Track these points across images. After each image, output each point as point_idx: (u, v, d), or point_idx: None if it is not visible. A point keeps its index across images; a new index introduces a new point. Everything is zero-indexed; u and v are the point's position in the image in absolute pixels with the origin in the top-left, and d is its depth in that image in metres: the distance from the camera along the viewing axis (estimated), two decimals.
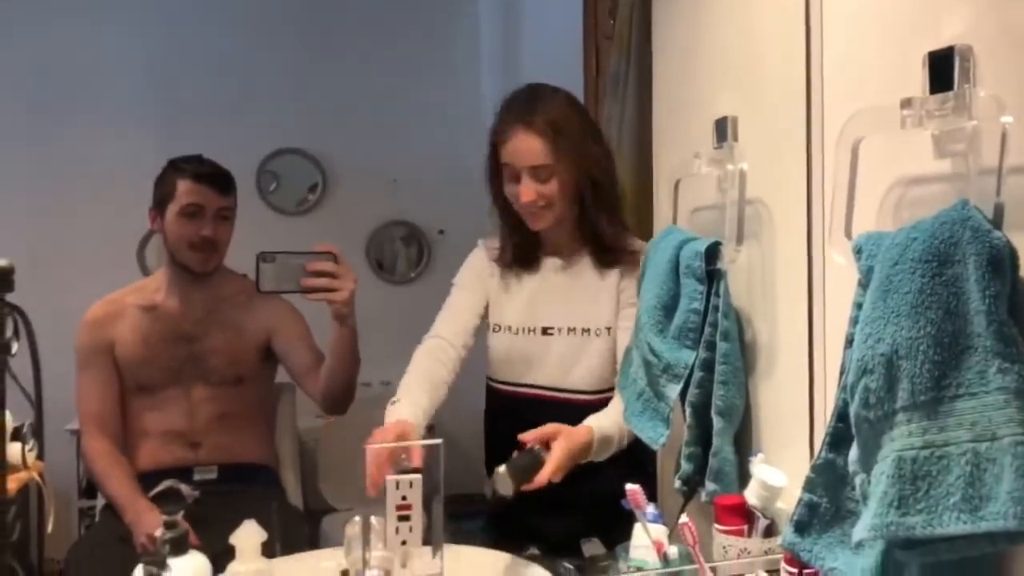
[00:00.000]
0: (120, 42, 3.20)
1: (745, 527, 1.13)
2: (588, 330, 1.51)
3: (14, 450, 0.88)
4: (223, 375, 1.87)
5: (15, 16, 3.08)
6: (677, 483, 1.27)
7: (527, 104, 1.50)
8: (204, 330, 1.87)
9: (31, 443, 0.92)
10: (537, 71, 3.16)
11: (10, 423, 0.89)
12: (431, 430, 3.43)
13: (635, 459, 1.43)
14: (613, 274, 1.52)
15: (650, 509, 1.12)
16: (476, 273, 1.63)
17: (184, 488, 1.79)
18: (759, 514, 1.12)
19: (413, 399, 1.44)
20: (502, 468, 1.21)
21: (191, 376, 1.85)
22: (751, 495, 1.13)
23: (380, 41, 3.50)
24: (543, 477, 1.23)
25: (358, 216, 3.52)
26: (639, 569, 1.09)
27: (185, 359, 1.85)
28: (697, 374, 1.25)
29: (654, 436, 1.29)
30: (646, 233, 1.63)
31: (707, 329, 1.26)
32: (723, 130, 1.37)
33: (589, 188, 1.48)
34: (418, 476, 0.94)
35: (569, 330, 1.52)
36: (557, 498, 1.47)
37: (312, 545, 2.47)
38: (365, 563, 0.93)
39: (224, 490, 1.80)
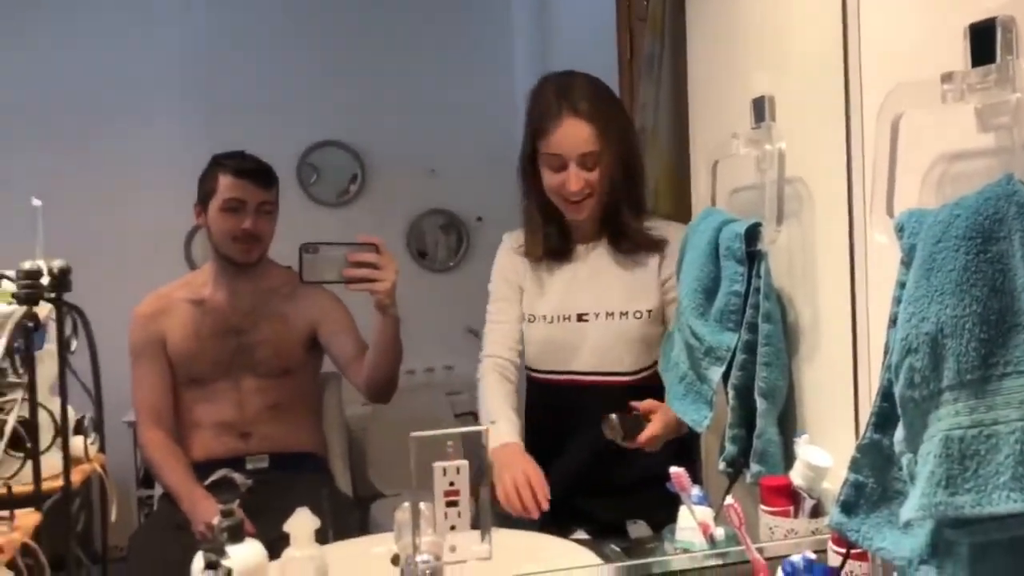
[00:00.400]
0: (163, 40, 3.26)
1: (791, 508, 1.13)
2: (626, 313, 1.52)
3: (77, 443, 0.91)
4: (271, 366, 1.91)
5: (59, 15, 3.15)
6: (722, 465, 1.27)
7: (572, 91, 1.50)
8: (251, 323, 1.91)
9: (92, 436, 0.95)
10: (570, 55, 3.15)
11: (72, 417, 0.93)
12: (476, 416, 3.47)
13: (679, 441, 1.43)
14: (652, 258, 1.52)
15: (695, 491, 1.13)
16: (507, 279, 1.65)
17: (237, 477, 1.84)
18: (805, 495, 1.12)
19: (508, 418, 1.50)
20: (614, 416, 1.37)
21: (240, 368, 1.89)
22: (796, 476, 1.13)
23: (415, 31, 3.52)
24: (643, 438, 1.37)
25: (397, 206, 3.55)
26: (686, 551, 1.09)
27: (234, 351, 1.90)
28: (739, 356, 1.25)
29: (697, 419, 1.29)
30: (684, 215, 1.62)
31: (748, 311, 1.25)
32: (760, 110, 1.36)
33: (621, 175, 1.49)
34: (464, 462, 0.96)
35: (607, 315, 1.53)
36: (603, 481, 1.49)
37: (362, 531, 2.52)
38: (416, 548, 0.95)
39: (275, 478, 1.85)
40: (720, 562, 1.07)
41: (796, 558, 0.97)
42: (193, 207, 1.95)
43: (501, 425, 1.47)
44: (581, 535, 1.33)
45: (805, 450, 1.14)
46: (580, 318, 1.55)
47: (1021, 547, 0.82)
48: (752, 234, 1.27)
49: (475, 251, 3.66)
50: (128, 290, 1.98)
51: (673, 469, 1.12)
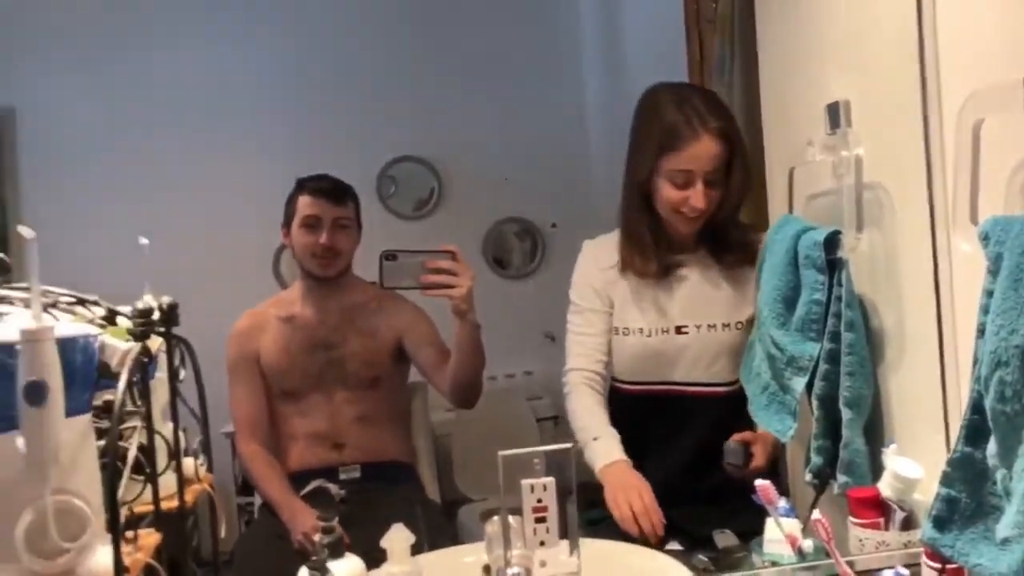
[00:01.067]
0: (248, 66, 3.40)
1: (881, 520, 1.11)
2: (728, 324, 1.52)
3: (188, 465, 0.97)
4: (360, 378, 1.98)
5: (145, 54, 3.31)
6: (808, 476, 1.26)
7: (701, 107, 1.47)
8: (340, 336, 1.98)
9: (201, 458, 1.02)
10: (640, 61, 3.15)
11: (184, 441, 0.99)
12: (556, 421, 3.48)
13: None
14: (749, 268, 1.51)
15: (781, 503, 1.13)
16: (595, 290, 1.62)
17: (332, 487, 1.93)
18: (895, 506, 1.11)
19: (610, 434, 1.50)
20: (734, 444, 1.44)
21: (331, 380, 1.97)
22: (885, 487, 1.12)
23: (484, 43, 3.57)
24: (759, 461, 1.41)
25: (474, 215, 3.61)
26: (774, 563, 1.10)
27: (324, 365, 1.97)
28: (822, 366, 1.24)
29: (782, 429, 1.29)
30: (760, 223, 1.61)
31: (830, 320, 1.24)
32: (835, 115, 1.34)
33: (739, 191, 1.49)
34: (551, 480, 0.99)
35: (709, 326, 1.52)
36: (689, 490, 1.49)
37: (451, 536, 2.57)
38: (507, 562, 0.99)
39: (367, 488, 1.91)
40: (810, 575, 1.07)
41: (888, 573, 0.97)
42: (280, 228, 2.04)
43: (606, 442, 1.47)
44: (675, 546, 1.34)
45: (894, 461, 1.12)
46: (679, 330, 1.53)
47: None
48: (832, 242, 1.26)
49: (551, 257, 3.70)
50: (223, 309, 2.08)
51: (759, 482, 1.13)
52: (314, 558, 0.85)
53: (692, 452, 1.52)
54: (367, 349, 1.99)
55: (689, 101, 1.48)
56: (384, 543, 0.99)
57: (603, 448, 1.45)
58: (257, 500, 2.09)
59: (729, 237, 1.53)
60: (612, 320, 1.57)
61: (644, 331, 1.55)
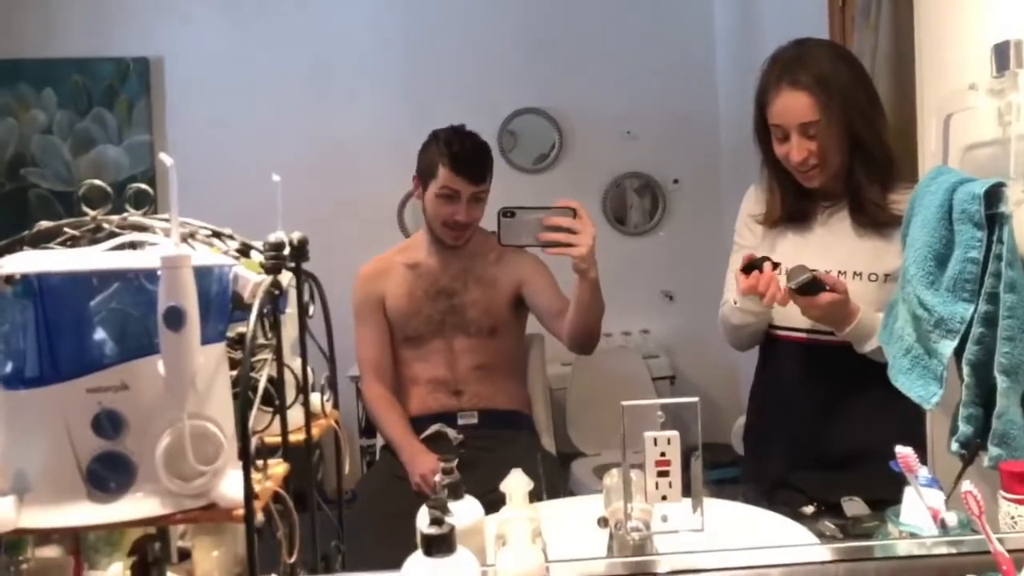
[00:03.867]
0: (375, 19, 3.44)
1: None
2: (860, 274, 1.49)
3: (315, 400, 0.99)
4: (480, 326, 2.00)
5: (282, 6, 3.39)
6: (955, 446, 1.18)
7: (792, 61, 1.48)
8: (462, 285, 2.00)
9: (328, 394, 1.03)
10: (774, 8, 2.98)
11: (312, 377, 1.01)
12: (672, 380, 3.43)
13: (901, 417, 1.35)
14: (894, 229, 1.44)
15: (922, 472, 1.06)
16: (749, 229, 1.65)
17: (450, 432, 1.96)
18: None
19: None
20: (807, 269, 1.39)
21: (452, 328, 1.99)
22: None
23: None
24: (806, 301, 1.39)
25: (594, 170, 3.56)
26: (913, 535, 1.03)
27: (446, 312, 2.00)
28: (976, 329, 1.14)
29: (925, 395, 1.20)
30: (910, 175, 1.50)
31: (988, 280, 1.14)
32: (1003, 55, 1.22)
33: (849, 145, 1.46)
34: (675, 433, 0.96)
35: (839, 273, 1.50)
36: (817, 453, 1.44)
37: (565, 488, 2.58)
38: (627, 516, 0.96)
39: (485, 434, 1.94)
40: (953, 551, 0.99)
41: None
42: (412, 178, 2.04)
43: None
44: (807, 510, 1.29)
45: None
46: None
47: None
48: (993, 195, 1.15)
49: (671, 214, 3.60)
50: (348, 253, 2.12)
51: (900, 449, 1.06)
52: (435, 497, 0.85)
53: (824, 407, 1.49)
54: (487, 298, 2.00)
55: (780, 55, 1.50)
56: (503, 487, 0.98)
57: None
58: (379, 442, 2.15)
59: (866, 199, 1.49)
60: None
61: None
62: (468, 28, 3.44)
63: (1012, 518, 1.02)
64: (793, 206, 1.56)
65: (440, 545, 0.82)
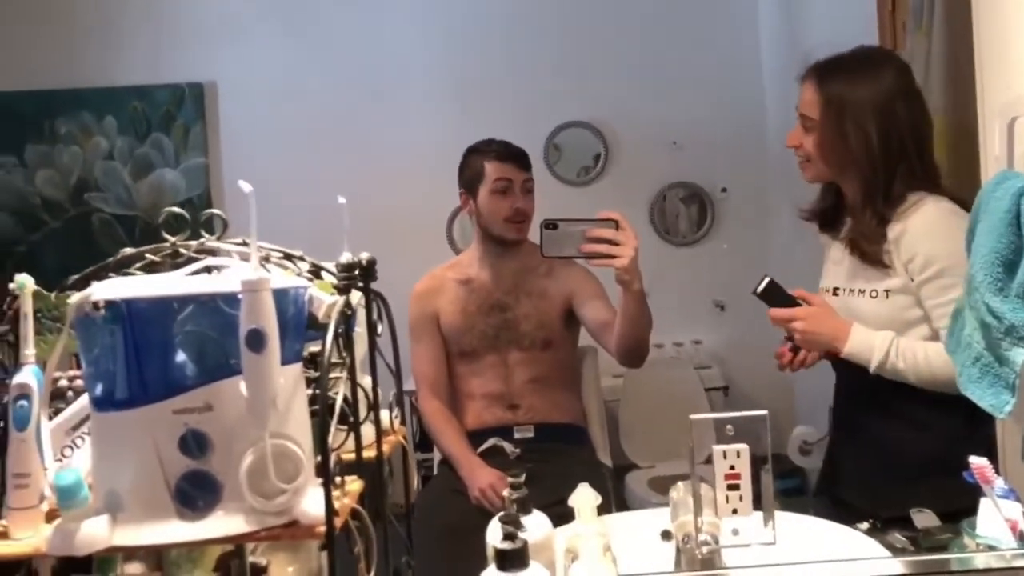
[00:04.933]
0: (420, 35, 3.49)
1: None
2: (862, 291, 1.47)
3: (385, 417, 1.01)
4: (533, 339, 2.01)
5: (335, 17, 3.45)
6: None
7: (826, 58, 1.49)
8: (515, 299, 2.01)
9: (395, 410, 1.05)
10: (821, 16, 2.95)
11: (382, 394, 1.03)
12: (726, 391, 3.39)
13: (971, 426, 1.33)
14: (890, 243, 1.43)
15: (999, 484, 1.04)
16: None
17: (507, 446, 1.97)
18: None
19: None
20: (768, 279, 1.44)
21: (506, 342, 2.01)
22: None
23: (653, 4, 3.47)
24: (778, 313, 1.42)
25: (641, 180, 3.55)
26: (991, 548, 1.01)
27: (499, 326, 2.01)
28: None
29: (997, 404, 1.18)
30: (965, 179, 1.48)
31: None
32: None
33: (842, 151, 1.44)
34: (745, 446, 0.95)
35: (848, 291, 1.50)
36: (886, 463, 1.42)
37: (619, 501, 2.57)
38: (697, 528, 0.96)
39: (542, 448, 1.94)
40: None
41: None
42: (460, 194, 2.07)
43: None
44: (867, 525, 1.27)
45: None
46: (834, 292, 1.53)
47: None
48: None
49: (720, 223, 3.57)
50: (400, 270, 2.15)
51: (975, 460, 1.04)
52: (507, 512, 0.85)
53: (881, 421, 1.48)
54: (539, 311, 2.01)
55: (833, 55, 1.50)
56: (571, 502, 0.99)
57: None
58: (435, 456, 2.17)
59: (854, 218, 1.49)
60: None
61: (826, 289, 1.56)
62: (512, 45, 3.47)
63: None
64: (825, 211, 1.57)
65: (514, 560, 0.83)
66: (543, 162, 3.46)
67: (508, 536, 0.84)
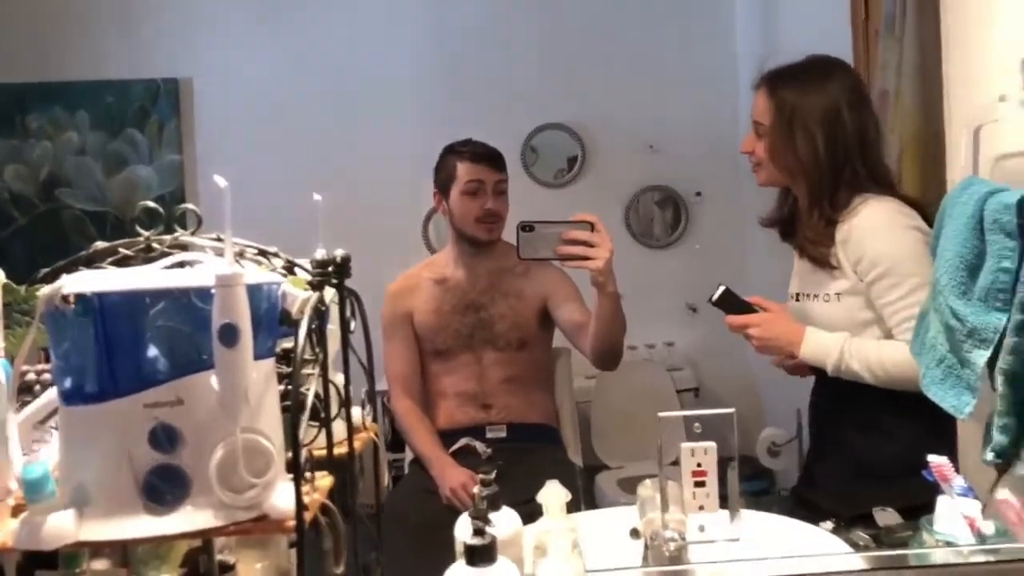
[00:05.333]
0: (400, 40, 3.48)
1: None
2: (814, 295, 1.50)
3: (356, 414, 1.01)
4: (508, 340, 2.01)
5: (309, 16, 3.44)
6: (989, 456, 1.17)
7: (778, 67, 1.52)
8: (489, 299, 2.02)
9: (367, 408, 1.05)
10: (797, 23, 2.99)
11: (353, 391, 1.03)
12: (696, 393, 3.42)
13: (931, 426, 1.35)
14: (837, 246, 1.46)
15: (958, 482, 1.06)
16: None
17: (479, 445, 1.98)
18: None
19: None
20: (724, 287, 1.52)
21: (480, 342, 2.01)
22: None
23: (632, 8, 3.50)
24: (734, 320, 1.51)
25: (616, 183, 3.57)
26: (948, 544, 1.03)
27: (474, 326, 2.02)
28: (1010, 339, 1.14)
29: (958, 405, 1.21)
30: (933, 184, 1.51)
31: (1020, 290, 1.15)
32: None
33: (788, 157, 1.47)
34: (712, 444, 0.97)
35: (805, 296, 1.53)
36: (848, 463, 1.44)
37: (589, 501, 2.58)
38: (664, 524, 0.98)
39: (513, 447, 1.95)
40: (992, 559, 1.00)
41: None
42: (433, 195, 2.08)
43: None
44: (830, 524, 1.29)
45: None
46: (796, 298, 1.56)
47: None
48: None
49: (694, 227, 3.60)
50: (374, 269, 2.15)
51: (934, 458, 1.06)
52: (476, 508, 0.86)
53: (845, 422, 1.50)
54: (514, 311, 2.02)
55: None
56: (540, 498, 1.00)
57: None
58: (407, 456, 2.17)
59: (801, 221, 1.52)
60: None
61: (789, 294, 1.60)
62: (490, 46, 3.48)
63: None
64: (776, 214, 1.60)
65: (483, 555, 0.84)
66: (520, 164, 3.47)
67: (477, 531, 0.84)
